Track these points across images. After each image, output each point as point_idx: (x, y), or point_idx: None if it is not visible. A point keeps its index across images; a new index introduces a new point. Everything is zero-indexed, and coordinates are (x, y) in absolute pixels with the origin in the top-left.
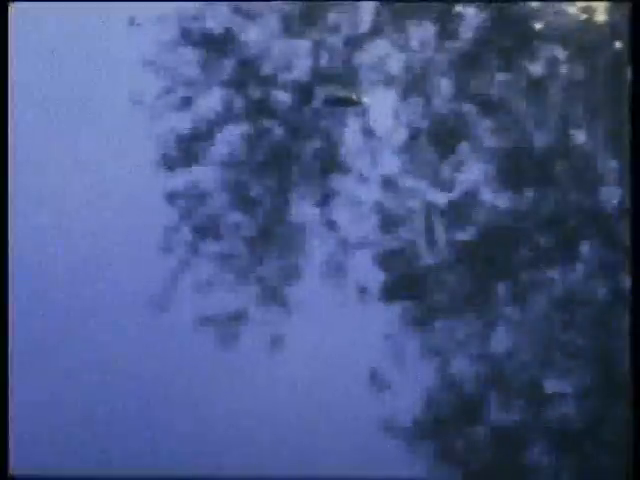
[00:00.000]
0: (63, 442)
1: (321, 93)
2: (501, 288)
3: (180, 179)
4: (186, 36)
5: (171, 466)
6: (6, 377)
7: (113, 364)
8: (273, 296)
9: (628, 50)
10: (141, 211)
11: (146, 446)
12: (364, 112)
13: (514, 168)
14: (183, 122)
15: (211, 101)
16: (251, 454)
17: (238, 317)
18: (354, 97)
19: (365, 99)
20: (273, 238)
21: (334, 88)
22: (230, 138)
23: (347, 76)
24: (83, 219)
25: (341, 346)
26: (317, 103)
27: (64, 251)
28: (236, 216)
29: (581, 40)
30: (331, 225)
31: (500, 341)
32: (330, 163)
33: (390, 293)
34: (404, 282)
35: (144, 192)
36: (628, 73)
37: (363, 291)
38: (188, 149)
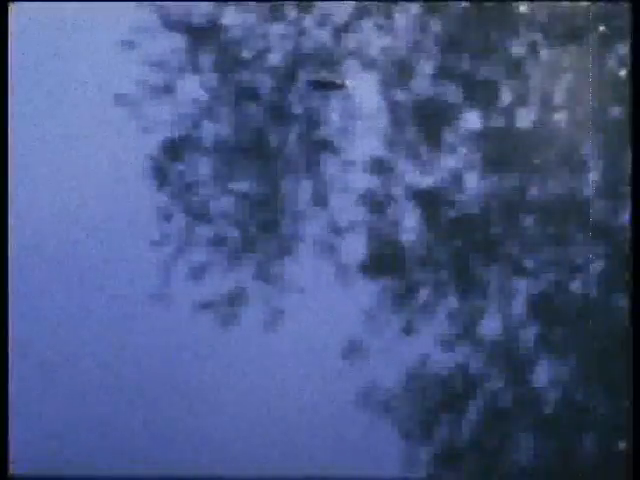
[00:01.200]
0: (63, 442)
1: (306, 77)
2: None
3: (172, 166)
4: (171, 23)
5: (172, 465)
6: (6, 377)
7: (113, 365)
8: (266, 277)
9: (628, 49)
10: (135, 200)
11: (146, 445)
12: (348, 95)
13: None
14: (173, 110)
15: (197, 87)
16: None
17: (234, 299)
18: (338, 81)
19: (348, 82)
20: (264, 224)
21: (318, 72)
22: (218, 124)
23: (331, 60)
24: (80, 212)
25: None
26: (301, 86)
27: (64, 245)
28: (228, 201)
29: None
30: (320, 205)
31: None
32: (317, 145)
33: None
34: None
35: (138, 181)
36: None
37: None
38: (179, 137)
